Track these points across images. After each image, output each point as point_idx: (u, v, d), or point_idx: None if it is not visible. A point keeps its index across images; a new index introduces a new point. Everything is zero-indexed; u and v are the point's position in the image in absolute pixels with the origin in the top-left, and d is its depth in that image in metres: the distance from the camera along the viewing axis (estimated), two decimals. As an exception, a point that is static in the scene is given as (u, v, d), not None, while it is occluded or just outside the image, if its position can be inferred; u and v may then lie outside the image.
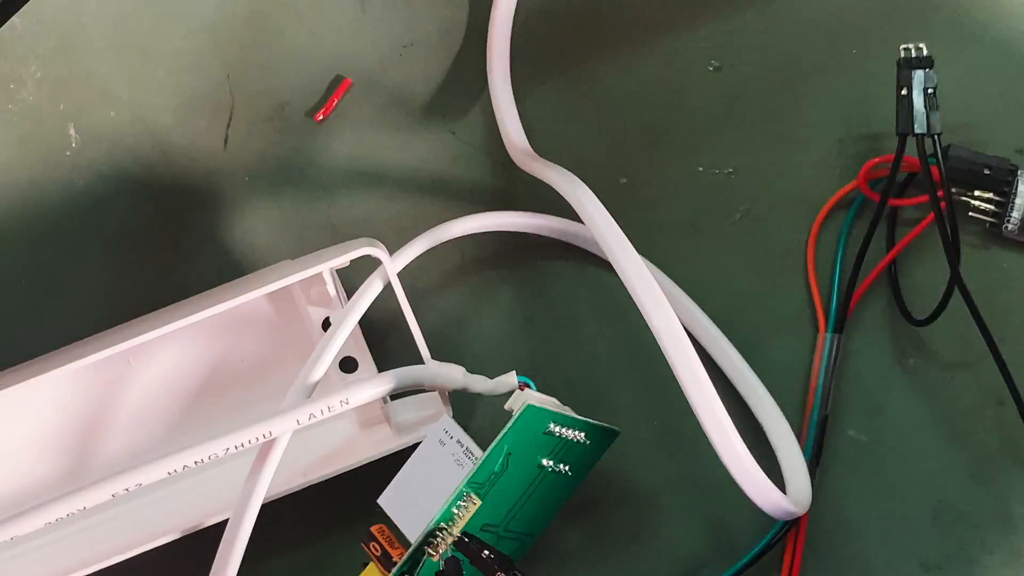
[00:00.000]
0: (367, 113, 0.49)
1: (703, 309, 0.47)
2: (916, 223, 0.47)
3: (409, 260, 0.45)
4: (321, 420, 0.41)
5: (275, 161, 0.49)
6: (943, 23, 0.49)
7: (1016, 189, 0.47)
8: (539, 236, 0.48)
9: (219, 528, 0.41)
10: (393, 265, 0.43)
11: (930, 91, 0.45)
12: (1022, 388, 0.46)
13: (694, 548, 0.47)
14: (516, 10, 0.49)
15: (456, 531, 0.41)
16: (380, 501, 0.42)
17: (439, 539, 0.41)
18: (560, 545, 0.46)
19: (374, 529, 0.42)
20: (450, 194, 0.48)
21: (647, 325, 0.40)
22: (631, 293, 0.40)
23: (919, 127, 0.45)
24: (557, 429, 0.42)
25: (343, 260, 0.42)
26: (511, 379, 0.42)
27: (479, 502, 0.41)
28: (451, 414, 0.43)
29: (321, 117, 0.49)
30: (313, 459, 0.45)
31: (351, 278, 0.45)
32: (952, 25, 0.49)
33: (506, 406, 0.41)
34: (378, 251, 0.43)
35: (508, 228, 0.47)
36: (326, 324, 0.45)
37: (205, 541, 0.42)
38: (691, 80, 0.49)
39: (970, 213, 0.47)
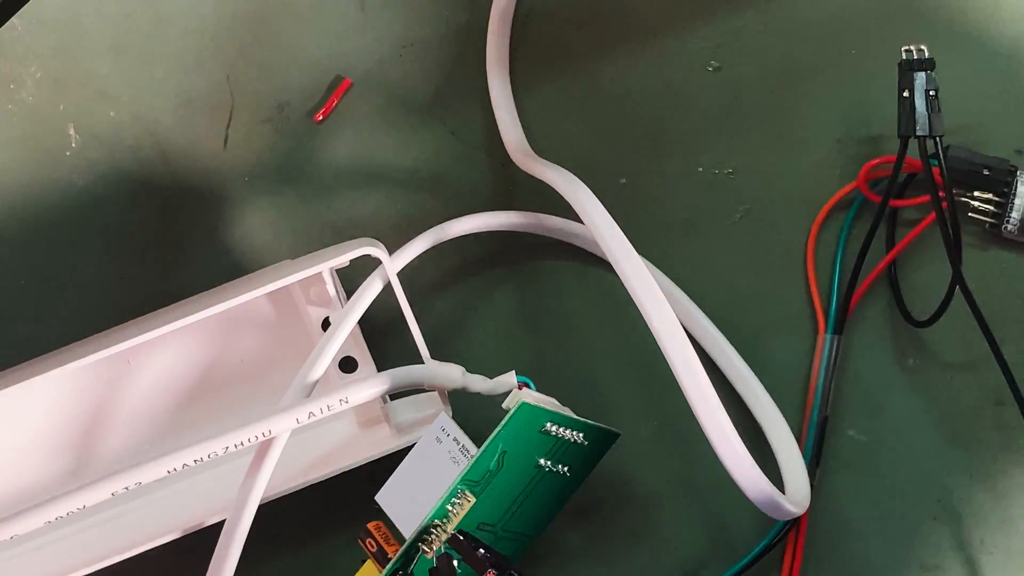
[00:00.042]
0: (367, 113, 0.49)
1: (703, 309, 0.47)
2: (915, 224, 0.47)
3: (409, 260, 0.45)
4: (321, 419, 0.41)
5: (275, 161, 0.49)
6: (943, 23, 0.49)
7: (1015, 189, 0.47)
8: (539, 236, 0.48)
9: (219, 528, 0.41)
10: (393, 265, 0.43)
11: (932, 93, 0.45)
12: (1022, 388, 0.46)
13: (694, 548, 0.47)
14: (516, 10, 0.49)
15: (451, 528, 0.41)
16: (377, 498, 0.42)
17: (433, 536, 0.41)
18: (560, 545, 0.46)
19: (371, 526, 0.42)
20: (450, 194, 0.48)
21: (647, 325, 0.40)
22: (630, 293, 0.40)
23: (921, 129, 0.45)
24: (554, 429, 0.42)
25: (343, 260, 0.42)
26: (510, 379, 0.42)
27: (473, 500, 0.41)
28: (450, 414, 0.43)
29: (321, 117, 0.49)
30: (313, 458, 0.45)
31: (351, 278, 0.45)
32: (951, 25, 0.49)
33: (504, 405, 0.41)
34: (378, 251, 0.43)
35: (508, 228, 0.47)
36: (326, 324, 0.45)
37: (205, 541, 0.42)
38: (691, 80, 0.49)
39: (969, 213, 0.47)
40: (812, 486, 0.45)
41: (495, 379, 0.43)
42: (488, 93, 0.49)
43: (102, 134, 0.49)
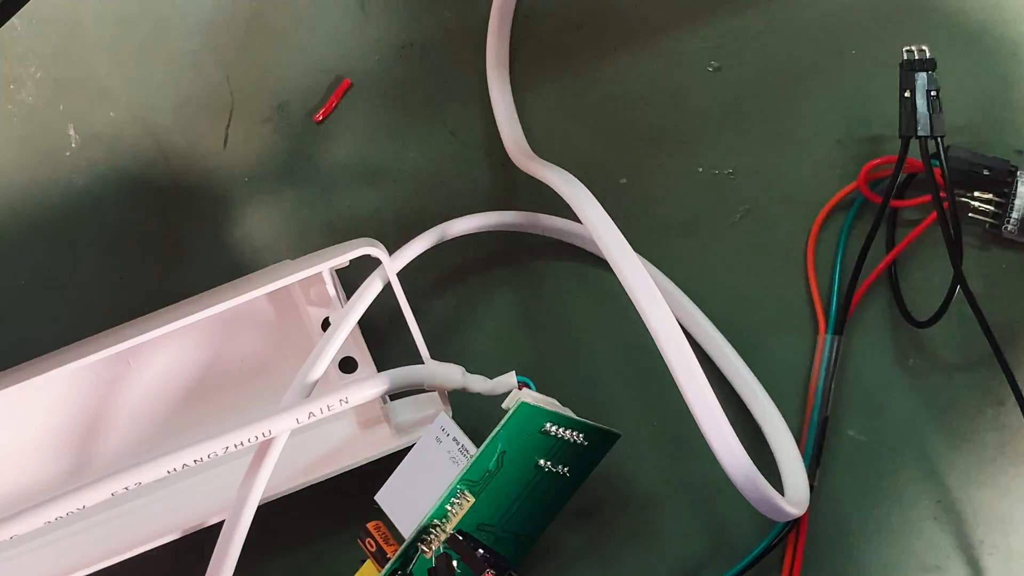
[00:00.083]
0: (367, 113, 0.49)
1: (702, 310, 0.47)
2: (916, 224, 0.47)
3: (409, 260, 0.45)
4: (321, 419, 0.41)
5: (275, 161, 0.49)
6: (943, 23, 0.49)
7: (1016, 190, 0.46)
8: (539, 236, 0.48)
9: (219, 528, 0.41)
10: (393, 265, 0.43)
11: (933, 93, 0.45)
12: (1023, 388, 0.46)
13: (694, 549, 0.47)
14: (515, 10, 0.49)
15: (449, 528, 0.41)
16: (377, 498, 0.42)
17: (432, 536, 0.41)
18: (560, 546, 0.46)
19: (370, 526, 0.42)
20: (450, 194, 0.48)
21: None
22: (628, 293, 0.40)
23: (922, 130, 0.45)
24: (554, 429, 0.42)
25: (343, 260, 0.42)
26: (510, 379, 0.42)
27: (472, 500, 0.41)
28: (451, 414, 0.43)
29: (321, 117, 0.49)
30: (313, 459, 0.45)
31: (351, 278, 0.45)
32: (951, 25, 0.49)
33: (503, 405, 0.41)
34: (378, 251, 0.43)
35: (508, 228, 0.47)
36: (326, 324, 0.45)
37: (205, 541, 0.42)
38: (691, 80, 0.49)
39: (970, 214, 0.47)
40: (812, 486, 0.46)
41: (495, 379, 0.43)
42: (488, 93, 0.49)
43: (102, 134, 0.49)
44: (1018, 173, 0.47)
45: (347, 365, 0.46)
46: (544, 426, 0.41)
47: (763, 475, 0.40)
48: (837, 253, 0.48)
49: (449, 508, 0.41)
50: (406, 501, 0.41)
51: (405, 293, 0.43)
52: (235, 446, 0.40)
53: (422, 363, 0.43)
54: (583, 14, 0.49)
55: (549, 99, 0.49)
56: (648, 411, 0.47)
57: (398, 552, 0.41)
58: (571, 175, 0.44)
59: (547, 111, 0.49)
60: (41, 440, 0.46)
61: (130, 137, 0.49)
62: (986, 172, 0.47)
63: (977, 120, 0.48)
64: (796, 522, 0.45)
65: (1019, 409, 0.45)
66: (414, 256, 0.45)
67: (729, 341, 0.47)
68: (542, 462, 0.42)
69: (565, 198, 0.44)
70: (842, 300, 0.47)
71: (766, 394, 0.46)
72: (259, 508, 0.42)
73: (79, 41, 0.49)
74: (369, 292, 0.43)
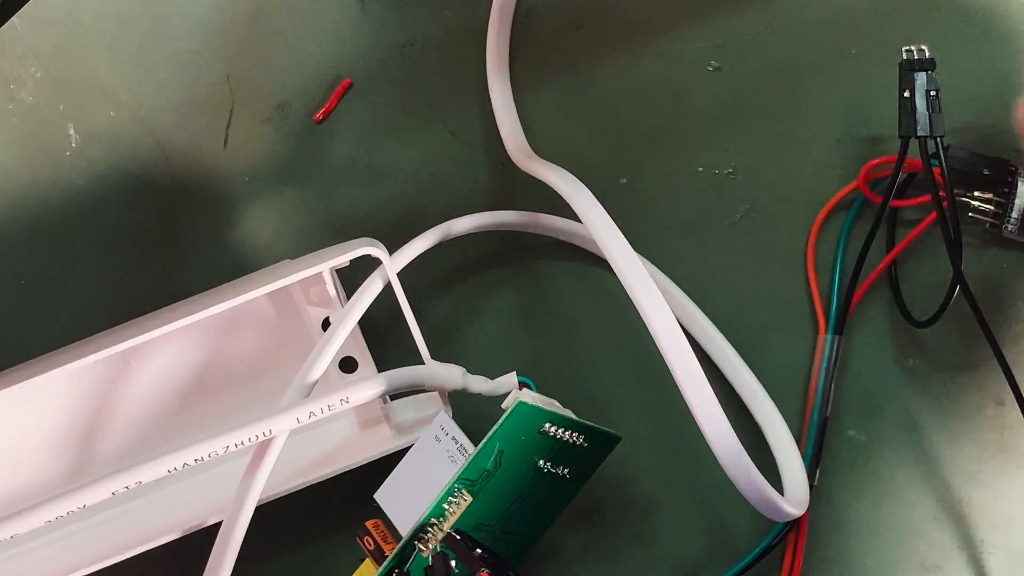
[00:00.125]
0: (367, 113, 0.49)
1: (703, 309, 0.47)
2: (915, 224, 0.47)
3: (409, 260, 0.45)
4: (321, 419, 0.41)
5: (275, 161, 0.49)
6: (942, 23, 0.49)
7: (1015, 190, 0.46)
8: (540, 236, 0.48)
9: (219, 528, 0.41)
10: (393, 265, 0.43)
11: (932, 94, 0.45)
12: (1023, 388, 0.46)
13: (694, 549, 0.47)
14: (516, 10, 0.49)
15: (447, 527, 0.41)
16: (376, 496, 0.42)
17: (429, 535, 0.41)
18: (560, 546, 0.46)
19: (369, 524, 0.42)
20: (450, 194, 0.48)
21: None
22: (628, 293, 0.40)
23: (922, 130, 0.45)
24: (553, 430, 0.41)
25: (343, 260, 0.42)
26: (511, 379, 0.42)
27: (470, 499, 0.41)
28: (451, 414, 0.43)
29: (321, 117, 0.49)
30: (314, 458, 0.45)
31: (351, 278, 0.45)
32: (951, 25, 0.49)
33: (503, 405, 0.41)
34: (378, 251, 0.43)
35: (508, 228, 0.47)
36: (326, 324, 0.45)
37: (205, 541, 0.42)
38: (691, 80, 0.49)
39: (969, 214, 0.47)
40: (812, 487, 0.46)
41: (496, 380, 0.43)
42: (488, 93, 0.49)
43: (102, 134, 0.49)
44: (1018, 173, 0.47)
45: (347, 365, 0.46)
46: (543, 427, 0.41)
47: (763, 475, 0.40)
48: (837, 253, 0.48)
49: (446, 507, 0.41)
50: (405, 500, 0.41)
51: (405, 293, 0.43)
52: (235, 445, 0.40)
53: (422, 363, 0.43)
54: (583, 14, 0.49)
55: (549, 99, 0.49)
56: (648, 411, 0.47)
57: (395, 550, 0.41)
58: (571, 175, 0.44)
59: (547, 111, 0.49)
60: (41, 440, 0.46)
61: (130, 137, 0.49)
62: (986, 172, 0.47)
63: (977, 120, 0.48)
64: (796, 522, 0.45)
65: (1019, 409, 0.45)
66: (414, 256, 0.45)
67: (729, 341, 0.47)
68: (541, 463, 0.42)
69: (565, 198, 0.44)
70: (842, 300, 0.47)
71: (766, 394, 0.46)
72: (260, 508, 0.42)
73: (79, 41, 0.49)
74: (369, 292, 0.43)
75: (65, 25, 0.49)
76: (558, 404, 0.42)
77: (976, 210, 0.47)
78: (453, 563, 0.40)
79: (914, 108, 0.45)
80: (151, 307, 0.47)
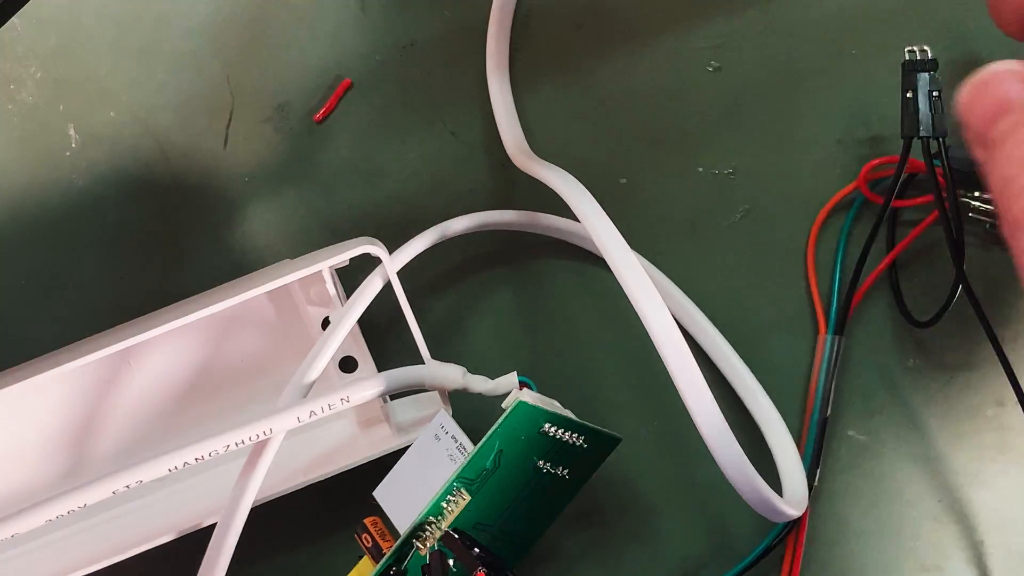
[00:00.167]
0: (367, 113, 0.49)
1: (702, 310, 0.47)
2: (915, 224, 0.47)
3: (409, 259, 0.45)
4: (321, 418, 0.41)
5: (275, 161, 0.49)
6: (943, 23, 0.49)
7: (1016, 189, 0.46)
8: (539, 236, 0.48)
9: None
10: (393, 264, 0.43)
11: (935, 94, 0.45)
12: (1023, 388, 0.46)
13: (694, 550, 0.47)
14: (516, 10, 0.49)
15: (445, 526, 0.41)
16: (375, 494, 0.42)
17: (427, 533, 0.41)
18: (559, 546, 0.46)
19: (367, 521, 0.42)
20: (450, 194, 0.49)
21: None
22: (626, 292, 0.40)
23: (924, 130, 0.45)
24: (552, 430, 0.41)
25: (342, 259, 0.42)
26: (512, 379, 0.42)
27: (469, 498, 0.41)
28: (451, 414, 0.43)
29: (321, 117, 0.49)
30: (313, 458, 0.45)
31: (351, 278, 0.45)
32: (951, 25, 0.49)
33: (503, 405, 0.41)
34: (378, 250, 0.43)
35: (508, 227, 0.47)
36: (325, 323, 0.45)
37: (204, 541, 0.42)
38: (691, 80, 0.49)
39: (970, 214, 0.47)
40: (812, 487, 0.46)
41: (496, 380, 0.43)
42: (488, 93, 0.49)
43: (102, 134, 0.49)
44: (1018, 173, 0.47)
45: (347, 364, 0.46)
46: (543, 427, 0.41)
47: (762, 476, 0.40)
48: (837, 253, 0.48)
49: (445, 506, 0.41)
50: (403, 498, 0.41)
51: (405, 292, 0.43)
52: (236, 444, 0.40)
53: (422, 363, 0.43)
54: (583, 14, 0.49)
55: (549, 99, 0.49)
56: (648, 411, 0.47)
57: (392, 548, 0.41)
58: (571, 175, 0.44)
59: (547, 111, 0.49)
60: (41, 440, 0.46)
61: (130, 137, 0.49)
62: (987, 172, 0.47)
63: (977, 120, 0.48)
64: (796, 522, 0.45)
65: (1019, 409, 0.45)
66: (414, 255, 0.45)
67: (729, 341, 0.47)
68: (541, 463, 0.42)
69: (564, 198, 0.44)
70: (842, 300, 0.47)
71: (766, 394, 0.46)
72: (258, 507, 0.42)
73: (79, 41, 0.49)
74: (369, 291, 0.43)
75: (65, 25, 0.49)
76: (558, 404, 0.42)
77: (977, 210, 0.47)
78: (451, 562, 0.40)
79: (916, 108, 0.45)
80: (151, 307, 0.47)
